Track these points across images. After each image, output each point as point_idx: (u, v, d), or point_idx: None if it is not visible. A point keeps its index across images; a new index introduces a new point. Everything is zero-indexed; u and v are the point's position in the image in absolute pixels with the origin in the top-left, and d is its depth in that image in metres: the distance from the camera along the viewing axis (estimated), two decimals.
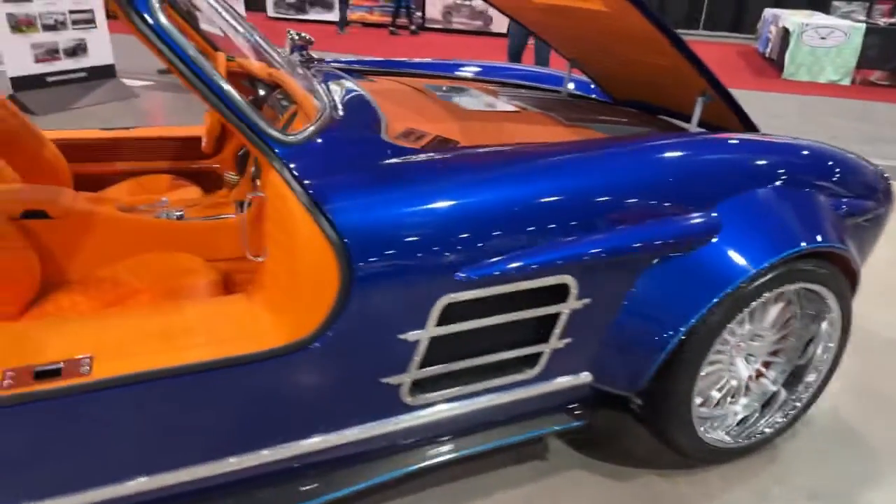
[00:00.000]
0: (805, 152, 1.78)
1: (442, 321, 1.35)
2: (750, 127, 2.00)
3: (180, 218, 1.95)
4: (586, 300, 1.48)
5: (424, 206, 1.31)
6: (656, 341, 1.52)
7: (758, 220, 1.58)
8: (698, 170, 1.57)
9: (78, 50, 5.53)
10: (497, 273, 1.34)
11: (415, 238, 1.28)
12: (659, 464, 1.84)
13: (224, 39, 2.47)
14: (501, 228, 1.35)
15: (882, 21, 8.66)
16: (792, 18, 8.83)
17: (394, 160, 1.40)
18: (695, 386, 1.63)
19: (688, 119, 2.28)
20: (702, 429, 1.73)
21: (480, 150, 1.51)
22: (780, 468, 1.85)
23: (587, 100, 2.67)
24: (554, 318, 1.48)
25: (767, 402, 1.91)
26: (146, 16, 1.19)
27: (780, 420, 1.88)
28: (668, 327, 1.51)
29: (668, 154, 1.57)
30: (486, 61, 3.05)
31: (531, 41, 5.09)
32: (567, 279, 1.43)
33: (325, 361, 1.27)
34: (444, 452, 1.53)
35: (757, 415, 1.90)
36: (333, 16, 12.49)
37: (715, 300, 1.50)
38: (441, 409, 1.45)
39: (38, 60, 5.24)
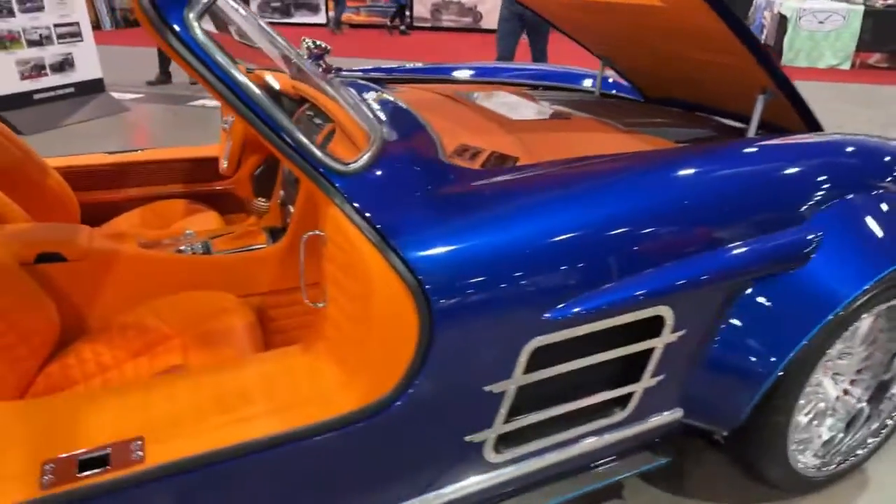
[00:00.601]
0: (885, 151, 1.64)
1: (529, 367, 1.19)
2: (813, 125, 1.86)
3: (207, 252, 1.77)
4: (681, 332, 1.33)
5: (506, 237, 1.15)
6: (757, 373, 1.37)
7: (856, 232, 1.44)
8: (793, 178, 1.42)
9: (65, 65, 5.31)
10: (590, 310, 1.18)
11: (499, 274, 1.12)
12: (744, 497, 1.69)
13: (235, 45, 2.29)
14: (593, 257, 1.19)
15: (880, 3, 8.58)
16: (788, 3, 8.73)
17: (463, 185, 1.24)
18: (793, 416, 1.49)
19: (732, 116, 2.14)
20: (793, 457, 1.59)
21: (554, 167, 1.35)
22: (872, 495, 1.71)
23: (622, 99, 2.52)
24: (646, 353, 1.32)
25: (851, 422, 1.77)
26: (179, 30, 1.02)
27: (871, 440, 1.74)
28: (769, 357, 1.36)
29: (761, 163, 1.42)
30: (504, 63, 2.89)
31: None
32: (663, 310, 1.27)
33: (404, 424, 1.11)
34: None
35: (841, 435, 1.76)
36: (319, 18, 12.28)
37: (819, 325, 1.35)
38: (526, 464, 1.29)
39: (24, 77, 5.02)
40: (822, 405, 1.69)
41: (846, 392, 1.75)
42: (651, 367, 1.33)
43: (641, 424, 1.42)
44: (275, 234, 1.91)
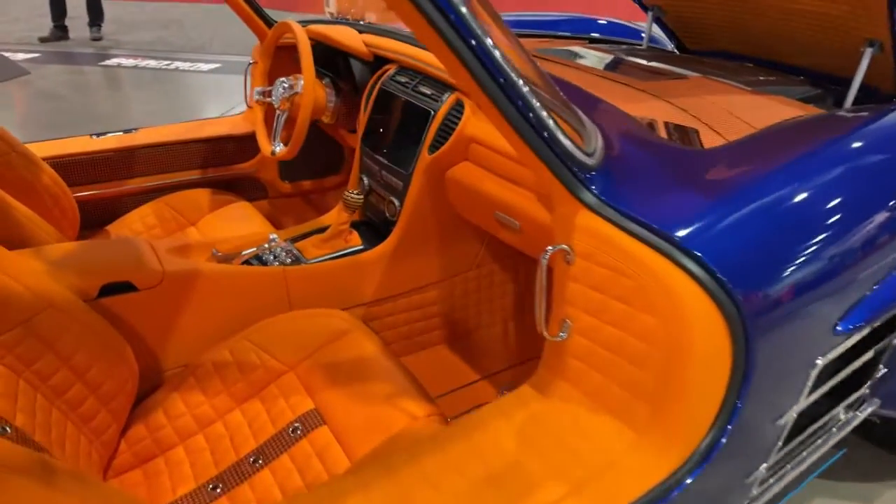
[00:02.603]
0: None
1: (812, 389, 1.01)
2: None
3: (297, 260, 1.43)
4: None
5: (796, 233, 0.94)
6: None
7: None
8: None
9: None
10: (871, 315, 1.01)
11: (798, 283, 0.92)
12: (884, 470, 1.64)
13: None
14: (870, 252, 1.01)
15: None
16: None
17: (714, 170, 1.01)
18: None
19: (803, 72, 2.02)
20: None
21: (770, 143, 1.14)
22: None
23: (670, 53, 2.34)
24: (880, 352, 1.18)
25: None
26: None
27: None
28: None
29: None
30: (535, 12, 2.61)
31: None
32: None
33: (705, 482, 0.90)
34: None
35: None
36: None
37: None
38: (775, 488, 1.13)
39: None
40: None
41: None
42: (882, 364, 1.20)
43: (854, 421, 1.29)
44: (357, 228, 1.59)
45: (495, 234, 1.35)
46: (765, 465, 1.03)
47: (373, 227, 1.56)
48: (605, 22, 2.51)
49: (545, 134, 0.83)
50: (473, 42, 0.73)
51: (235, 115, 2.09)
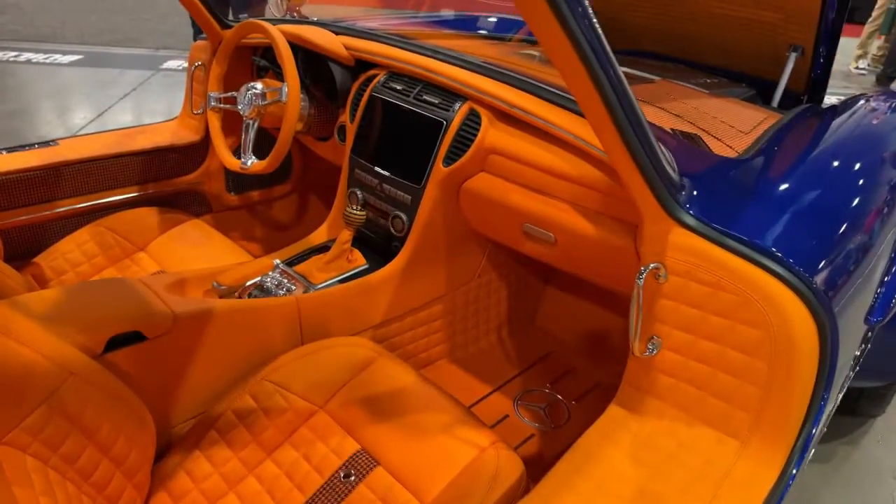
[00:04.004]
0: None
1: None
2: (820, 89, 1.95)
3: (306, 288, 1.30)
4: None
5: (849, 230, 1.01)
6: None
7: None
8: None
9: None
10: (890, 304, 1.12)
11: (857, 279, 1.00)
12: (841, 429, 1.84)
13: None
14: (889, 244, 1.12)
15: None
16: None
17: (764, 177, 1.07)
18: None
19: (722, 73, 2.19)
20: None
21: (784, 146, 1.23)
22: None
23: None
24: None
25: None
26: None
27: None
28: None
29: None
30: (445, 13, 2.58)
31: None
32: None
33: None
34: None
35: None
36: None
37: None
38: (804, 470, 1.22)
39: None
40: None
41: None
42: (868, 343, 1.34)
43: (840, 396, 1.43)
44: (353, 244, 1.48)
45: (517, 247, 1.33)
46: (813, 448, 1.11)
47: (371, 243, 1.47)
48: (494, 19, 2.53)
49: (651, 152, 0.82)
50: (611, 70, 0.71)
51: (170, 122, 1.86)
